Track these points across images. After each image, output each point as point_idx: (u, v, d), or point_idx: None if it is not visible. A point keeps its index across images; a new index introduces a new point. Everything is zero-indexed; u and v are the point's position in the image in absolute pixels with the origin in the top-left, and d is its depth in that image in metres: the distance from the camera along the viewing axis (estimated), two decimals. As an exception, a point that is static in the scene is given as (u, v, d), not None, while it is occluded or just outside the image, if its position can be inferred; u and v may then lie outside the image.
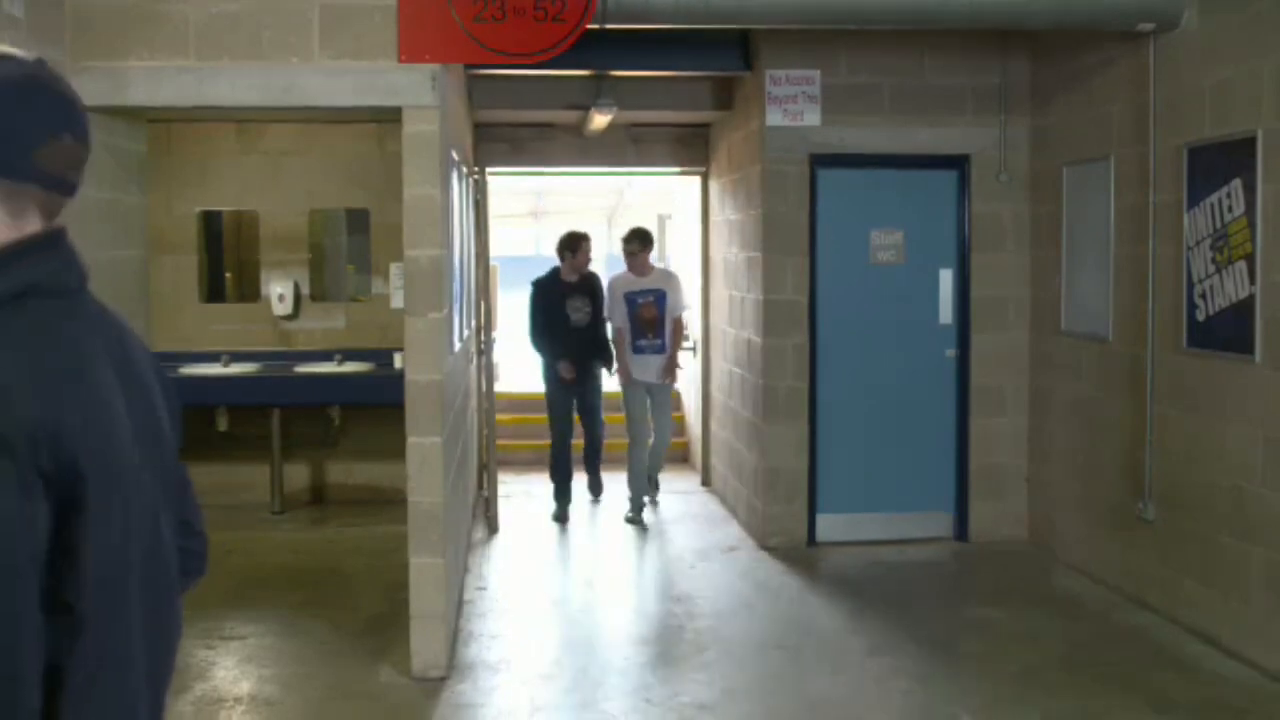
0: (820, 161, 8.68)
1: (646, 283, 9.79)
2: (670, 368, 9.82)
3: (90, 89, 5.63)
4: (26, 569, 1.69)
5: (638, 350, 9.73)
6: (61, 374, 1.81)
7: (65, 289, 1.89)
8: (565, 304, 9.73)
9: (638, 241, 9.85)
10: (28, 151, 1.86)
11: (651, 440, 9.89)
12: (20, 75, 1.88)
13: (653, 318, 9.71)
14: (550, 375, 9.84)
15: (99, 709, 1.83)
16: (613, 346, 9.90)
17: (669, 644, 6.74)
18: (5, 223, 1.84)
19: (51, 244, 1.90)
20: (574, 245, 9.85)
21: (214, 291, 10.35)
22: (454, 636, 6.57)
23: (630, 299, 9.72)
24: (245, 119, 9.81)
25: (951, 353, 8.87)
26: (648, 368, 9.74)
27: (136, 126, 6.65)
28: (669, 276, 10.12)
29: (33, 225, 1.88)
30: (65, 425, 1.76)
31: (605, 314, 9.86)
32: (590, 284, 9.91)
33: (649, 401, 9.82)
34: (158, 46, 5.76)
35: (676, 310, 9.83)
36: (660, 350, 9.73)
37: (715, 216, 10.79)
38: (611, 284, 9.88)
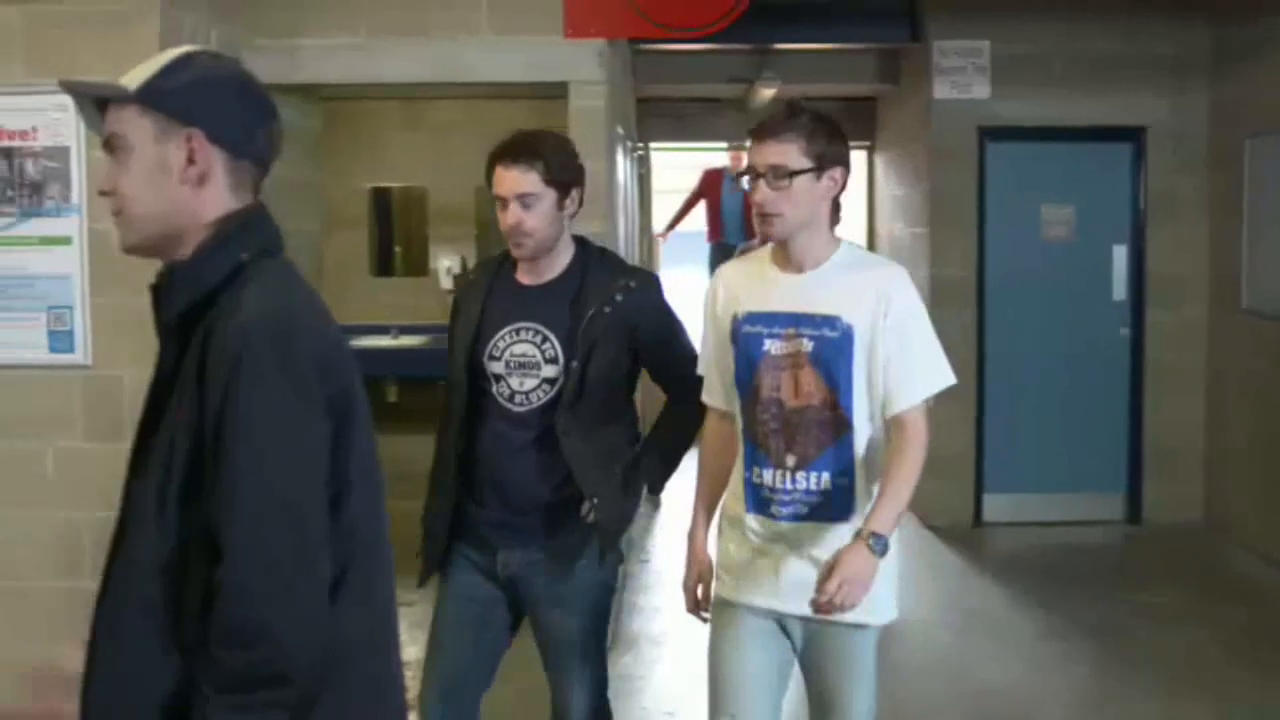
0: (989, 135, 8.48)
1: None
2: None
3: (265, 67, 5.74)
4: (320, 488, 2.00)
5: None
6: (325, 311, 2.15)
7: (282, 251, 2.19)
8: None
9: None
10: (253, 132, 2.17)
11: None
12: (238, 69, 2.20)
13: None
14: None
15: (370, 607, 2.14)
16: None
17: (832, 622, 6.68)
18: (228, 194, 2.13)
19: (266, 214, 2.20)
20: None
21: (383, 265, 10.54)
22: (618, 609, 6.60)
23: None
24: (412, 95, 9.95)
25: (1125, 330, 8.62)
26: None
27: (311, 104, 6.79)
28: None
29: (246, 198, 2.17)
30: (338, 353, 2.09)
31: None
32: None
33: None
34: (329, 24, 5.87)
35: None
36: None
37: (880, 191, 10.63)
38: None
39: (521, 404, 3.59)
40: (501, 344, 3.61)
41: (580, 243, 3.73)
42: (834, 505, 3.29)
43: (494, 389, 3.62)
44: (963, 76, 8.43)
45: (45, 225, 5.01)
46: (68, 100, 5.31)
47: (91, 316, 5.04)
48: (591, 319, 3.55)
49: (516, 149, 3.52)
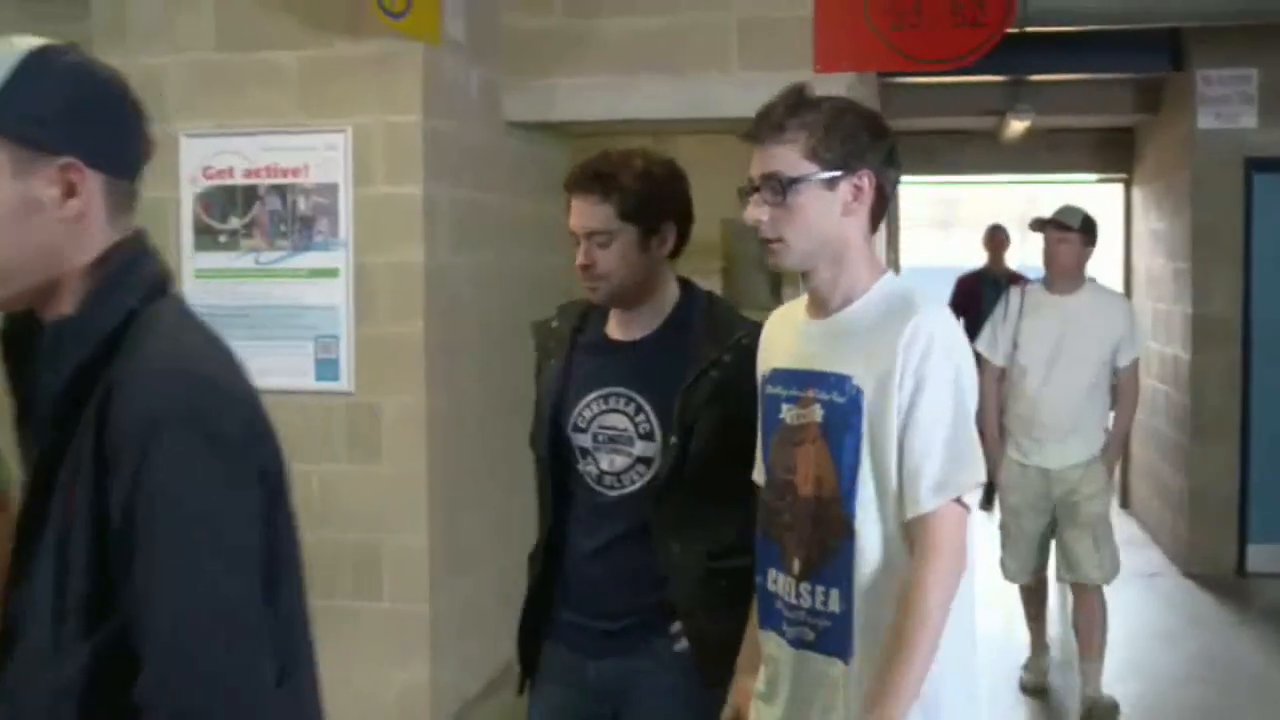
0: (1256, 165, 8.13)
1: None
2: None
3: (522, 105, 5.94)
4: (256, 578, 1.64)
5: None
6: (237, 363, 1.74)
7: (171, 287, 1.79)
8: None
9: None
10: (134, 144, 1.77)
11: None
12: (98, 64, 1.77)
13: None
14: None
15: (304, 711, 1.79)
16: None
17: (1084, 669, 6.46)
18: (108, 226, 1.72)
19: (147, 243, 1.77)
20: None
21: (630, 300, 10.67)
22: None
23: None
24: (659, 131, 10.08)
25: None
26: None
27: (562, 140, 6.95)
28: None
29: (126, 226, 1.75)
30: (259, 415, 1.72)
31: None
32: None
33: None
34: (583, 64, 5.99)
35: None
36: None
37: (1138, 225, 10.29)
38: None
39: (613, 486, 2.97)
40: (588, 412, 2.97)
41: (685, 288, 3.08)
42: (835, 635, 2.45)
43: (581, 466, 3.00)
44: (1228, 106, 8.11)
45: (314, 259, 5.25)
46: (338, 140, 5.56)
47: (355, 346, 5.25)
48: (694, 384, 2.88)
49: (589, 176, 2.95)
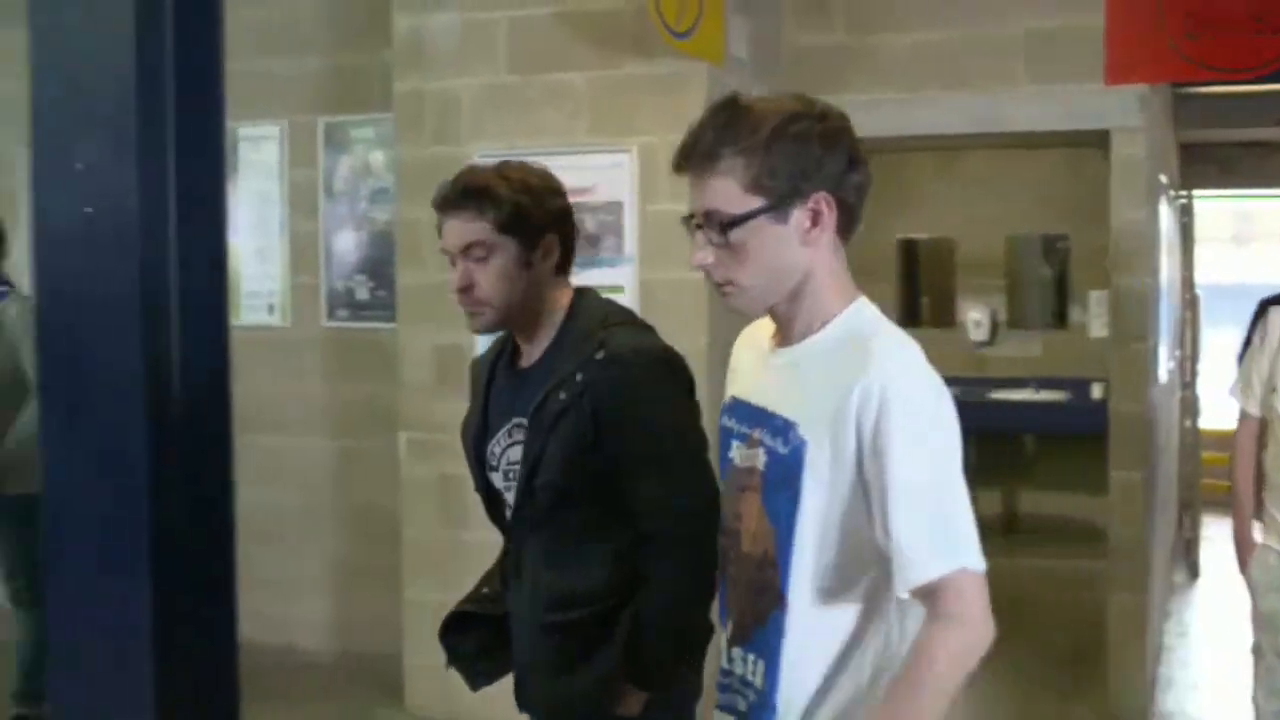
0: None
1: None
2: None
3: (805, 123, 5.95)
4: None
5: None
6: None
7: None
8: None
9: None
10: None
11: None
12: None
13: None
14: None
15: None
16: None
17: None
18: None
19: None
20: None
21: (910, 317, 10.56)
22: (1153, 682, 6.28)
23: None
24: (943, 146, 9.94)
25: None
26: None
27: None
28: None
29: None
30: None
31: None
32: None
33: None
34: (865, 80, 5.97)
35: None
36: None
37: None
38: None
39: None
40: (498, 448, 2.75)
41: (576, 298, 2.76)
42: (758, 713, 2.12)
43: (505, 506, 2.78)
44: None
45: (601, 275, 5.36)
46: (623, 159, 5.69)
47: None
48: (541, 407, 2.59)
49: (459, 193, 2.67)
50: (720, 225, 2.04)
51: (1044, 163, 9.94)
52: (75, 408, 2.50)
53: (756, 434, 2.11)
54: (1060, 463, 9.84)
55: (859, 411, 1.96)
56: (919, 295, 10.61)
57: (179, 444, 2.32)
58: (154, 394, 2.29)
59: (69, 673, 2.72)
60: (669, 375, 2.66)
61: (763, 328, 2.25)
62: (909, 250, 10.53)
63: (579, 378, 2.56)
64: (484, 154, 5.50)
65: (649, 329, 2.77)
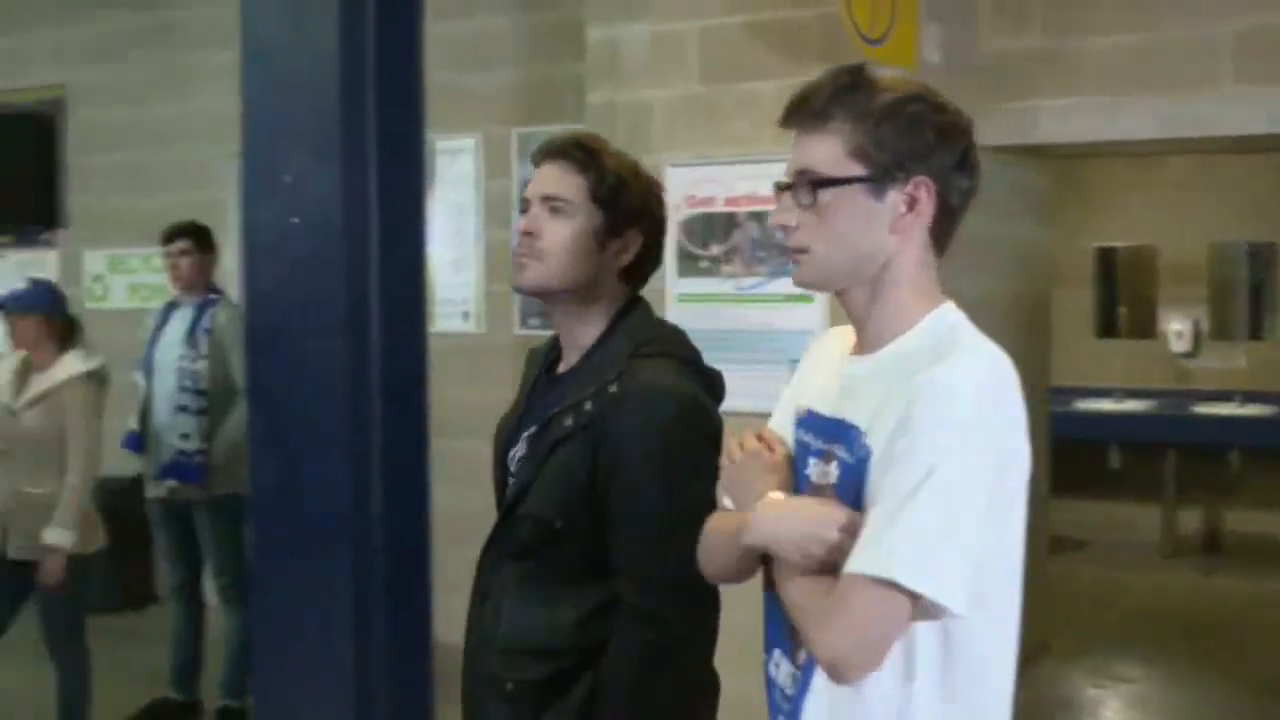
0: None
1: None
2: None
3: (1000, 129, 5.84)
4: None
5: None
6: None
7: None
8: None
9: None
10: None
11: None
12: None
13: None
14: None
15: None
16: None
17: None
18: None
19: None
20: None
21: (1107, 326, 10.30)
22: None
23: None
24: (1142, 152, 9.67)
25: None
26: None
27: (1043, 163, 6.80)
28: None
29: None
30: None
31: None
32: None
33: None
34: (1066, 84, 5.83)
35: None
36: None
37: None
38: None
39: None
40: (516, 455, 2.53)
41: (627, 309, 2.51)
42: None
43: None
44: None
45: (789, 284, 5.37)
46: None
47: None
48: (543, 430, 2.39)
49: (572, 144, 2.47)
50: (811, 184, 1.91)
51: (1249, 168, 9.59)
52: (281, 411, 2.59)
53: (833, 448, 1.93)
54: (1267, 480, 9.50)
55: (919, 401, 1.79)
56: (1116, 305, 10.33)
57: (379, 447, 2.39)
58: (356, 398, 2.36)
59: (271, 667, 2.82)
60: (683, 423, 2.35)
61: (838, 337, 2.11)
62: (1106, 258, 10.27)
63: (588, 407, 2.32)
64: (675, 164, 5.56)
65: (687, 363, 2.47)
